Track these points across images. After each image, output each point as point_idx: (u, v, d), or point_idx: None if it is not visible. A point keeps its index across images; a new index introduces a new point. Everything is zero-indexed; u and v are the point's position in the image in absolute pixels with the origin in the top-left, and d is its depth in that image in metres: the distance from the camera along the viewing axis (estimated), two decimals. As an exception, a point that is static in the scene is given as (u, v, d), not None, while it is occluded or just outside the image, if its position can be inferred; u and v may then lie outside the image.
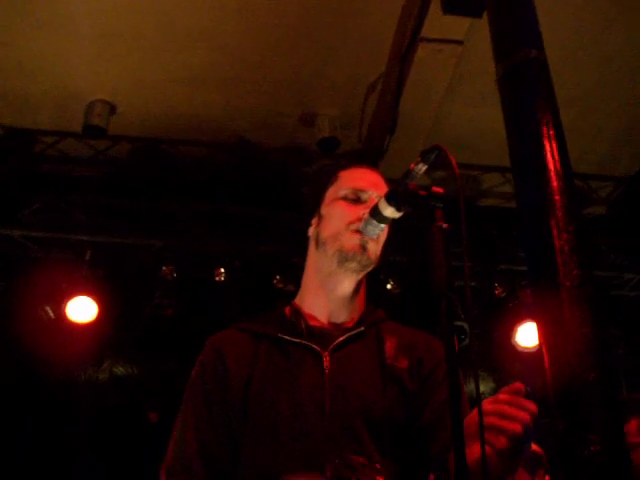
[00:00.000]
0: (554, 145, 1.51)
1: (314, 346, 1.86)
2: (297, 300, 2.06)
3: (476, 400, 1.33)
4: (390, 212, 1.67)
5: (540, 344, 1.23)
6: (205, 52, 4.46)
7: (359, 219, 1.87)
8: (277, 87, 4.72)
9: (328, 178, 2.11)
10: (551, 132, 1.53)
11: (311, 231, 2.09)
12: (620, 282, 5.70)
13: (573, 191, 1.43)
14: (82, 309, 4.98)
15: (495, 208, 5.61)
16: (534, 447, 4.00)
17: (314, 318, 1.98)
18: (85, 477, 5.24)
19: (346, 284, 1.97)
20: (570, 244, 1.30)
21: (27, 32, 4.30)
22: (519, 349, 5.37)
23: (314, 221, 2.08)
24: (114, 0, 4.10)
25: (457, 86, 4.58)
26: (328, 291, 1.99)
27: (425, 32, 3.99)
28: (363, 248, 1.91)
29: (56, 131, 5.09)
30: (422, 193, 1.55)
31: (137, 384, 5.93)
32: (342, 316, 1.98)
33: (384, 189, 2.01)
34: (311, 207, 2.12)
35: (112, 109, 4.86)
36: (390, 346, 1.91)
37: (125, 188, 5.16)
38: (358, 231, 1.86)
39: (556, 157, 1.48)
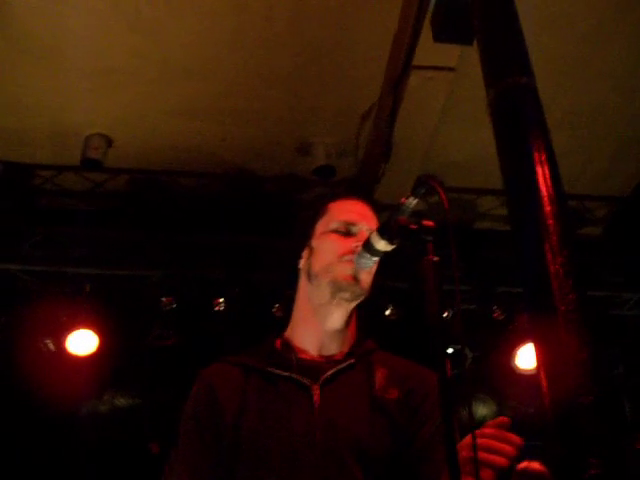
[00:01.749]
0: (546, 170, 1.53)
1: (304, 380, 1.86)
2: (287, 332, 2.06)
3: (470, 428, 1.36)
4: (382, 245, 1.71)
5: (538, 368, 1.24)
6: (200, 84, 4.51)
7: (351, 251, 1.89)
8: (273, 117, 4.77)
9: (317, 211, 2.12)
10: (543, 157, 1.55)
11: (302, 264, 2.09)
12: (619, 302, 5.70)
13: (567, 215, 1.45)
14: (82, 342, 4.98)
15: (492, 231, 5.63)
16: (539, 466, 3.99)
17: (304, 351, 1.98)
18: (88, 510, 5.21)
19: (337, 315, 1.98)
20: (565, 268, 1.31)
21: (24, 68, 4.35)
22: (519, 371, 5.37)
23: (304, 254, 2.08)
24: (109, 36, 4.15)
25: (451, 111, 4.62)
26: (319, 323, 1.99)
27: (417, 60, 4.04)
28: (356, 278, 1.92)
29: (54, 165, 5.13)
30: (413, 227, 1.59)
31: (138, 415, 5.90)
32: (332, 348, 1.99)
33: (374, 220, 2.06)
34: (301, 240, 2.12)
35: (109, 142, 4.90)
36: (380, 377, 1.91)
37: (123, 220, 5.18)
38: (350, 261, 1.88)
39: (549, 182, 1.50)
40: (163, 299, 5.01)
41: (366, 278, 1.96)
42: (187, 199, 5.24)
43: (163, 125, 4.82)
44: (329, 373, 1.88)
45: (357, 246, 1.83)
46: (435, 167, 5.18)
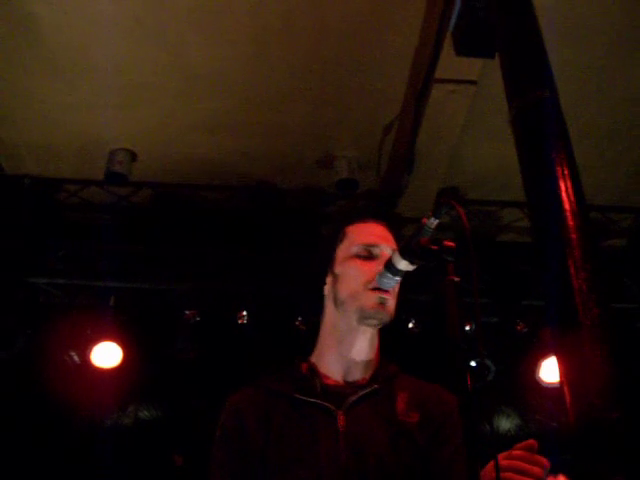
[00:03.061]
0: (569, 184, 1.53)
1: (329, 405, 1.90)
2: (313, 357, 2.10)
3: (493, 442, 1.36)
4: (404, 265, 1.73)
5: (562, 383, 1.24)
6: (224, 98, 4.54)
7: (375, 277, 1.91)
8: (295, 131, 4.79)
9: (336, 235, 2.16)
10: (565, 171, 1.55)
11: (327, 290, 2.12)
12: (644, 314, 5.63)
13: (590, 229, 1.45)
14: (107, 354, 5.01)
15: (515, 243, 5.61)
16: None
17: (329, 377, 2.02)
18: (111, 523, 5.22)
19: (363, 341, 2.02)
20: (588, 283, 1.31)
21: (51, 84, 4.41)
22: (543, 384, 5.32)
23: (329, 280, 2.12)
24: (134, 52, 4.20)
25: (473, 124, 4.61)
26: (346, 350, 2.02)
27: (439, 73, 4.04)
28: (383, 305, 1.95)
29: (79, 179, 5.19)
30: (434, 247, 1.61)
31: (162, 427, 5.92)
32: (357, 374, 2.02)
33: (393, 241, 2.10)
34: (323, 265, 2.15)
35: (133, 156, 4.96)
36: (401, 401, 1.94)
37: (147, 233, 5.22)
38: (376, 289, 1.92)
39: (571, 196, 1.50)
40: (186, 312, 5.04)
41: (391, 303, 1.99)
42: (210, 212, 5.28)
43: (186, 139, 4.86)
44: (353, 399, 1.92)
45: (380, 269, 1.86)
46: (457, 180, 5.18)
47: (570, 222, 1.46)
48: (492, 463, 1.44)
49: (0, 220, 5.02)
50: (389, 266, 1.78)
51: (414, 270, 1.77)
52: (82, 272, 5.05)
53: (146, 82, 4.42)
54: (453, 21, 3.62)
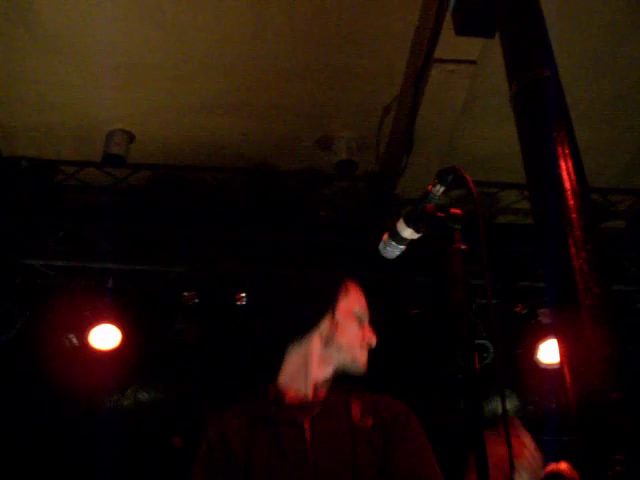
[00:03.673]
0: (569, 164, 1.51)
1: (297, 419, 2.18)
2: (281, 380, 2.37)
3: (503, 418, 1.35)
4: (409, 233, 1.70)
5: (561, 364, 1.23)
6: (221, 80, 4.51)
7: (366, 342, 2.34)
8: (294, 112, 4.76)
9: (339, 283, 2.43)
10: (566, 150, 1.54)
11: (321, 327, 2.35)
12: (643, 296, 5.63)
13: (590, 209, 1.44)
14: (105, 336, 5.01)
15: (514, 225, 5.59)
16: (567, 467, 3.95)
17: (297, 395, 2.29)
18: (110, 504, 5.25)
19: (332, 370, 2.35)
20: (589, 262, 1.30)
21: (47, 66, 4.38)
22: (542, 366, 5.33)
23: (327, 320, 2.36)
24: (131, 32, 4.17)
25: (472, 105, 4.59)
26: (320, 373, 2.32)
27: (438, 53, 4.01)
28: (365, 366, 2.33)
29: (76, 161, 5.16)
30: (440, 215, 1.57)
31: (161, 410, 5.94)
32: (320, 390, 2.30)
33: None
34: (319, 302, 2.38)
35: (131, 138, 4.93)
36: (356, 409, 2.25)
37: (145, 215, 5.21)
38: (367, 351, 2.34)
39: (572, 176, 1.48)
40: (185, 294, 5.03)
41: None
42: (208, 194, 5.26)
43: (184, 120, 4.84)
44: (317, 410, 2.22)
45: (370, 339, 2.33)
46: (457, 161, 5.15)
47: (571, 201, 1.45)
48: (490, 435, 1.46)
49: (-2, 202, 5.02)
50: (393, 234, 1.75)
51: (416, 245, 1.75)
52: (80, 254, 5.04)
53: (143, 63, 4.38)
54: (453, 0, 3.59)
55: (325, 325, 2.34)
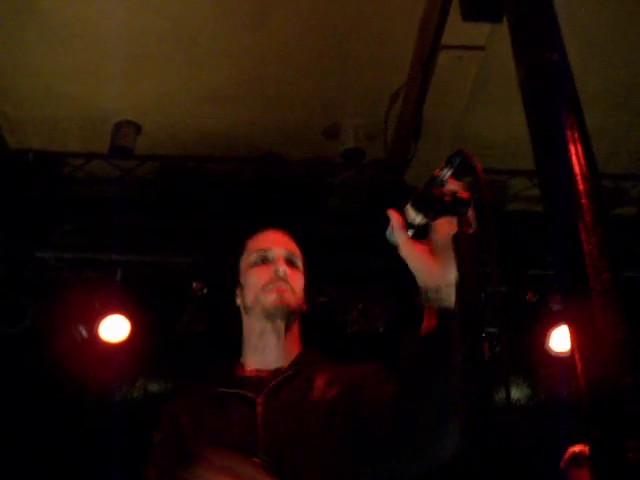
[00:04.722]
0: (579, 148, 1.49)
1: (249, 394, 2.07)
2: (242, 356, 2.32)
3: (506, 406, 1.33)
4: (415, 219, 1.66)
5: (572, 350, 1.22)
6: (228, 69, 4.49)
7: (271, 279, 2.19)
8: (301, 101, 4.74)
9: (239, 250, 2.39)
10: (575, 135, 1.51)
11: (238, 301, 2.35)
12: (655, 282, 5.59)
13: (600, 193, 1.41)
14: (115, 328, 5.02)
15: (523, 212, 5.56)
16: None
17: (253, 369, 2.23)
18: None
19: (275, 335, 2.21)
20: (599, 247, 1.28)
21: (53, 56, 4.37)
22: (553, 354, 5.31)
23: (238, 291, 2.35)
24: (137, 22, 4.15)
25: (481, 91, 4.55)
26: (263, 346, 2.22)
27: (445, 39, 3.98)
28: (280, 300, 2.17)
29: (83, 153, 5.15)
30: (447, 199, 1.55)
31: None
32: (278, 362, 2.20)
33: (290, 243, 2.36)
34: (232, 281, 2.38)
35: (138, 129, 4.91)
36: (320, 382, 2.10)
37: (153, 206, 5.20)
38: (273, 290, 2.17)
39: (582, 160, 1.46)
40: (194, 284, 5.03)
41: (292, 297, 2.21)
42: (216, 184, 5.25)
43: (192, 111, 4.82)
44: (272, 384, 2.10)
45: (276, 271, 2.17)
46: (465, 148, 5.11)
47: (580, 186, 1.42)
48: None
49: (6, 195, 5.01)
50: None
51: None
52: (89, 246, 5.04)
53: (150, 53, 4.37)
54: (460, -15, 3.56)
55: (239, 297, 2.34)
